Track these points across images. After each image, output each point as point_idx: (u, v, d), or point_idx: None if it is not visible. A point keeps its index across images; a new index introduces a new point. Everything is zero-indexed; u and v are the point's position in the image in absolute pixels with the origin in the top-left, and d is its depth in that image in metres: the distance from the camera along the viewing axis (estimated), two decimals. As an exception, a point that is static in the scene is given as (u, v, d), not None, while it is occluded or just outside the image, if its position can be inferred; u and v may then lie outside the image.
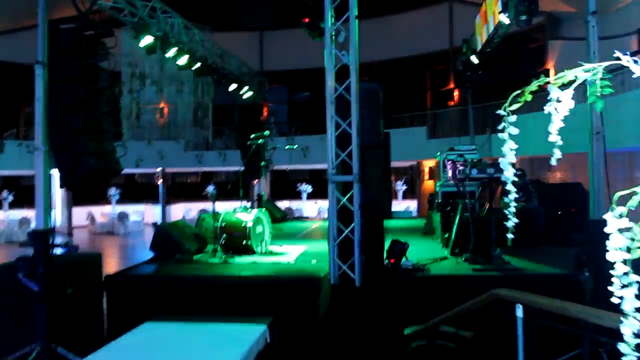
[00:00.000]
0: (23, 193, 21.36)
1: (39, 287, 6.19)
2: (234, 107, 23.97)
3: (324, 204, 24.40)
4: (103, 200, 22.58)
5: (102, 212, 22.18)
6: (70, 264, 7.07)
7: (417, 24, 22.15)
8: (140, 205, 23.32)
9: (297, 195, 24.33)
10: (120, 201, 22.57)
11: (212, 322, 5.65)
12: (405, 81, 22.97)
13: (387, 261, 6.72)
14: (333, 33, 6.11)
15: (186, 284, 6.72)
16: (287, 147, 13.28)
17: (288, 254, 8.28)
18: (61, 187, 6.89)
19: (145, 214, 22.90)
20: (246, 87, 13.42)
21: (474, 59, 11.75)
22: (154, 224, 23.55)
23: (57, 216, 21.86)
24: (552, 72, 17.85)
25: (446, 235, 8.64)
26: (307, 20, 6.44)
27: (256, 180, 23.47)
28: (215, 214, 8.32)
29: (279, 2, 24.08)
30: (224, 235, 8.10)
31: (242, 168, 17.88)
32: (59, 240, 6.88)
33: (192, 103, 16.99)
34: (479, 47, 11.10)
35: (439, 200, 9.44)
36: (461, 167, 7.19)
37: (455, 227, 7.81)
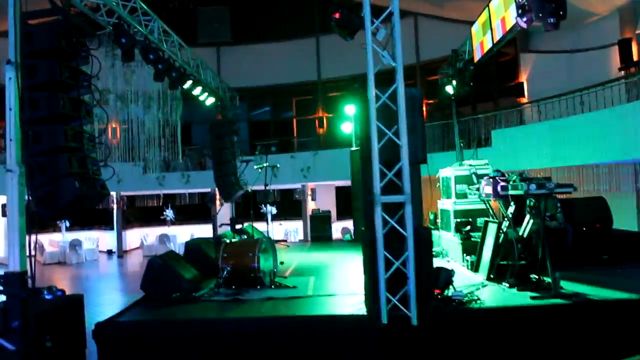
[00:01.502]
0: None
1: (16, 346, 4.91)
2: (191, 126, 22.72)
3: (289, 225, 23.24)
4: (52, 227, 20.58)
5: (52, 241, 20.20)
6: (48, 310, 5.77)
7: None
8: (93, 231, 21.46)
9: (261, 217, 23.10)
10: (71, 228, 20.64)
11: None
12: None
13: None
14: (373, 30, 5.21)
15: (198, 330, 5.55)
16: (266, 166, 12.21)
17: (300, 287, 7.22)
18: (43, 217, 5.59)
19: (100, 241, 21.09)
20: (222, 102, 12.33)
21: (470, 69, 11.14)
22: (109, 252, 21.79)
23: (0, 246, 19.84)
24: (525, 85, 17.66)
25: (471, 258, 7.86)
26: (337, 15, 5.52)
27: (220, 203, 22.24)
28: (217, 242, 7.19)
29: (238, 17, 23.13)
30: (227, 268, 6.96)
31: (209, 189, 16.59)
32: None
33: (160, 120, 15.58)
34: (479, 56, 10.49)
35: (458, 220, 8.63)
36: (504, 183, 6.42)
37: (492, 249, 7.01)
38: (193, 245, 8.55)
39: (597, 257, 8.17)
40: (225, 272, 6.92)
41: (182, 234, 20.95)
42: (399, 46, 5.17)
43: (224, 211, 22.71)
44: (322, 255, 10.77)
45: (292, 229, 22.89)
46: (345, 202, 22.00)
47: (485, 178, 6.84)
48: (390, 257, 5.20)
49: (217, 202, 22.00)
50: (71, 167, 5.62)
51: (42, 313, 5.49)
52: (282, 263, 7.82)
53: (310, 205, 22.40)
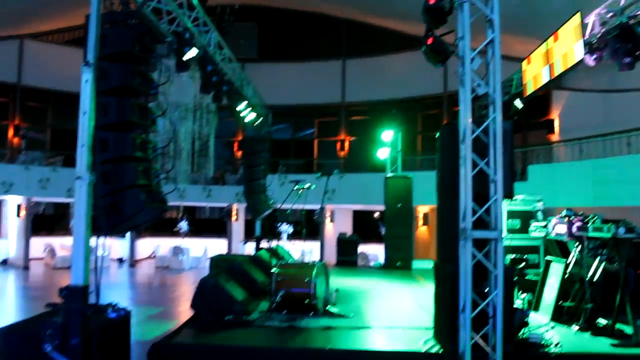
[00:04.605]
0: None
1: (73, 362, 4.59)
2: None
3: (304, 245, 22.84)
4: (64, 231, 20.16)
5: (63, 245, 19.75)
6: (98, 327, 5.43)
7: (410, 65, 21.27)
8: (105, 238, 21.04)
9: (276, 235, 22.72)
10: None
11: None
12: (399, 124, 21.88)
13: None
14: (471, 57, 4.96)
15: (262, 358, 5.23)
16: (307, 186, 11.91)
17: (353, 316, 6.89)
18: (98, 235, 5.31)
19: (112, 249, 20.68)
20: (260, 118, 12.13)
21: (518, 103, 10.97)
22: (120, 260, 21.42)
23: (12, 247, 19.51)
24: (556, 122, 17.43)
25: (527, 296, 7.54)
26: (429, 41, 5.28)
27: (235, 219, 21.88)
28: (256, 261, 6.87)
29: (265, 34, 23.04)
30: (281, 292, 6.64)
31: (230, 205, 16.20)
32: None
33: (195, 133, 15.30)
34: (530, 90, 10.32)
35: (513, 257, 8.29)
36: (579, 223, 6.16)
37: (557, 289, 6.71)
38: (232, 264, 8.19)
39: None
40: (279, 297, 6.60)
41: (195, 247, 20.60)
42: (499, 76, 4.93)
43: (238, 227, 22.41)
44: (357, 282, 10.42)
45: (308, 250, 22.45)
46: (362, 226, 21.72)
47: (558, 216, 6.57)
48: (476, 296, 4.90)
49: (233, 218, 21.70)
50: (137, 179, 5.36)
51: (99, 330, 5.16)
52: (337, 291, 7.48)
53: (329, 228, 22.07)
